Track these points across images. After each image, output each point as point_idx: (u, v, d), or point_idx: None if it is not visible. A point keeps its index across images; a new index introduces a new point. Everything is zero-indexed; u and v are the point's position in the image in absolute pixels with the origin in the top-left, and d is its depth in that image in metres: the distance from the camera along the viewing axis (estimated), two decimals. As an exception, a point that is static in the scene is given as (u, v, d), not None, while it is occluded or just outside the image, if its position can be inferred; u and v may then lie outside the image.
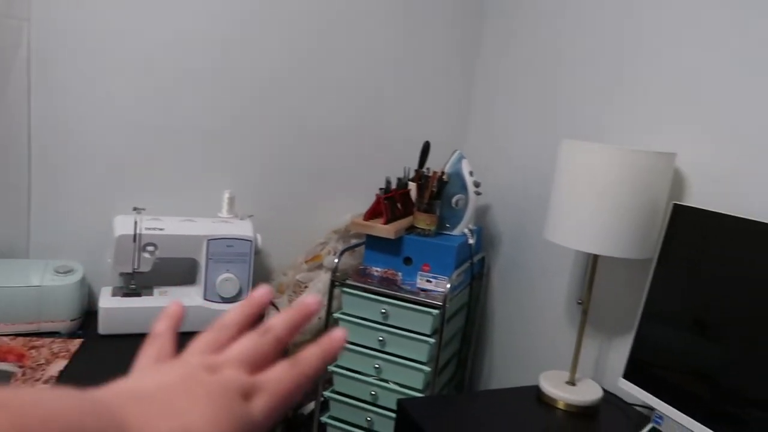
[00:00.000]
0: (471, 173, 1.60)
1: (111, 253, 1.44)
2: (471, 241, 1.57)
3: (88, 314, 1.48)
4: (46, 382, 1.17)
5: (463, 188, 1.59)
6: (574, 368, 1.26)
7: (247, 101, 1.65)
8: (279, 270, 1.72)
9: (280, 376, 0.38)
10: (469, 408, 1.19)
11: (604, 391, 1.27)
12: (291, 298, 1.63)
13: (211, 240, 1.50)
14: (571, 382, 1.26)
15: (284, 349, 0.42)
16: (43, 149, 1.49)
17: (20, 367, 1.23)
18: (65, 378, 1.21)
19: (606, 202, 1.11)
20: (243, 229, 1.54)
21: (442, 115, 1.91)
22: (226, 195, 1.61)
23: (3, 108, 1.43)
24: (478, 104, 1.89)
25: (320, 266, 1.66)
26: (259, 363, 0.39)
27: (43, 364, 1.25)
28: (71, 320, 1.41)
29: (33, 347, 1.32)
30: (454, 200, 1.58)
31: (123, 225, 1.44)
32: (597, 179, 1.12)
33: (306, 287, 1.64)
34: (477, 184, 1.59)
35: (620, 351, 1.33)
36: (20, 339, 1.34)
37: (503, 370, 1.71)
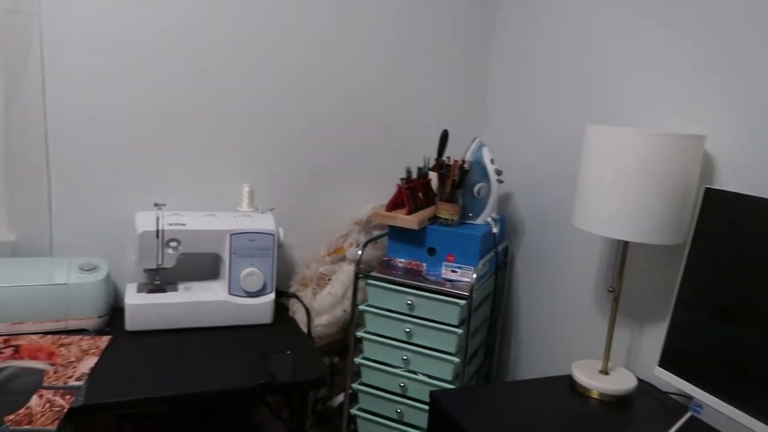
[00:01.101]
0: (492, 161, 1.58)
1: (134, 250, 1.44)
2: (495, 229, 1.56)
3: (115, 311, 1.48)
4: (78, 379, 1.18)
5: (485, 176, 1.57)
6: (606, 357, 1.25)
7: (264, 93, 1.64)
8: (302, 263, 1.72)
9: None
10: (502, 398, 1.18)
11: (639, 379, 1.25)
12: (314, 291, 1.63)
13: (234, 234, 1.49)
14: (604, 371, 1.25)
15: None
16: (61, 146, 1.48)
17: (51, 365, 1.23)
18: (98, 374, 1.21)
19: (635, 187, 1.10)
20: (265, 223, 1.54)
21: (460, 103, 1.88)
22: (246, 189, 1.60)
23: (19, 106, 1.43)
24: (496, 91, 1.87)
25: (343, 258, 1.65)
26: None
27: (73, 361, 1.25)
28: (98, 317, 1.41)
29: (62, 345, 1.32)
30: (476, 189, 1.57)
31: (145, 221, 1.43)
32: (625, 164, 1.10)
33: (329, 280, 1.63)
34: (499, 172, 1.58)
35: (654, 339, 1.32)
36: (49, 337, 1.35)
37: (531, 360, 1.70)
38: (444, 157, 1.59)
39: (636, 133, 1.09)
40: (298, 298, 1.62)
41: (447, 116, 1.86)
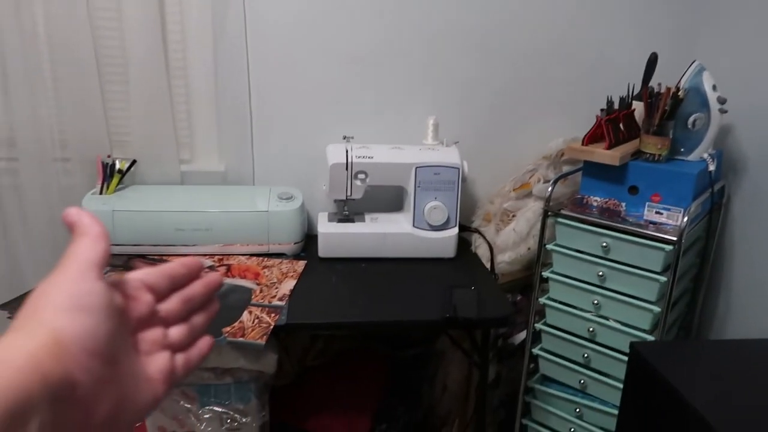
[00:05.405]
0: (714, 87, 1.36)
1: (326, 181, 1.50)
2: (711, 167, 1.36)
3: (308, 237, 1.58)
4: (280, 299, 1.28)
5: (704, 106, 1.36)
6: None
7: (449, 24, 1.56)
8: (485, 198, 1.67)
9: None
10: (714, 357, 1.05)
11: None
12: (498, 227, 1.58)
13: (419, 168, 1.48)
14: None
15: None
16: (260, 83, 1.56)
17: (257, 284, 1.35)
18: (296, 296, 1.30)
19: None
20: (449, 156, 1.50)
21: (671, 21, 1.63)
22: (431, 121, 1.57)
23: (225, 45, 1.52)
24: (718, 2, 1.58)
25: (529, 194, 1.57)
26: None
27: (275, 282, 1.36)
28: (294, 243, 1.51)
29: (265, 267, 1.44)
30: (690, 120, 1.37)
31: (335, 153, 1.47)
32: None
33: (513, 216, 1.57)
34: (722, 101, 1.35)
35: None
36: (254, 259, 1.47)
37: (743, 316, 1.50)
38: (653, 85, 1.40)
39: None
40: (480, 233, 1.59)
41: (656, 37, 1.63)
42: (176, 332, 0.45)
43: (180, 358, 0.44)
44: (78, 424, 0.35)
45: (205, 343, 0.47)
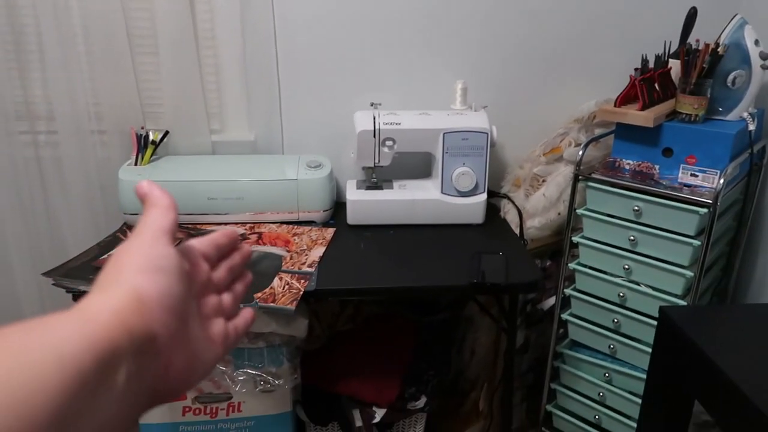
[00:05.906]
0: (757, 42, 1.29)
1: (354, 148, 1.50)
2: (751, 126, 1.30)
3: (337, 205, 1.59)
4: (310, 266, 1.30)
5: (745, 62, 1.30)
6: None
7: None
8: (515, 163, 1.64)
9: None
10: (752, 322, 1.03)
11: None
12: (527, 192, 1.56)
13: (447, 133, 1.47)
14: None
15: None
16: (287, 50, 1.56)
17: (287, 251, 1.37)
18: (326, 263, 1.32)
19: None
20: (478, 121, 1.48)
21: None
22: (459, 86, 1.54)
23: (252, 17, 1.52)
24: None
25: (559, 159, 1.55)
26: None
27: (305, 249, 1.38)
28: (324, 211, 1.52)
29: (295, 234, 1.46)
30: (730, 78, 1.31)
31: (363, 121, 1.47)
32: None
33: (543, 181, 1.55)
34: (765, 56, 1.29)
35: None
36: (285, 227, 1.50)
37: (782, 280, 1.46)
38: (691, 41, 1.35)
39: None
40: (510, 199, 1.57)
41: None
42: (227, 299, 0.48)
43: (231, 326, 0.48)
44: (158, 375, 0.38)
45: (248, 313, 0.51)
